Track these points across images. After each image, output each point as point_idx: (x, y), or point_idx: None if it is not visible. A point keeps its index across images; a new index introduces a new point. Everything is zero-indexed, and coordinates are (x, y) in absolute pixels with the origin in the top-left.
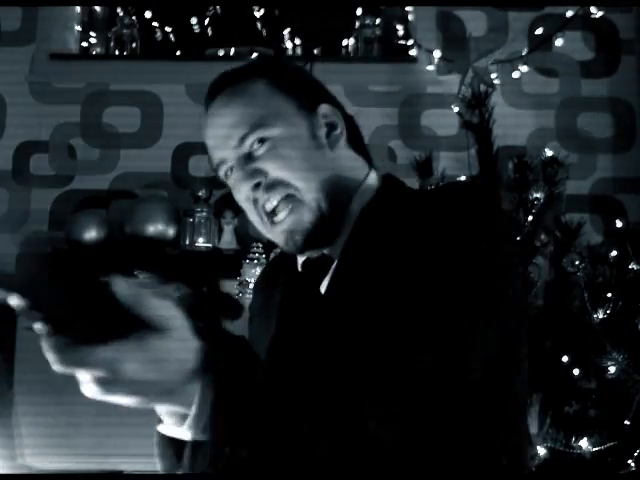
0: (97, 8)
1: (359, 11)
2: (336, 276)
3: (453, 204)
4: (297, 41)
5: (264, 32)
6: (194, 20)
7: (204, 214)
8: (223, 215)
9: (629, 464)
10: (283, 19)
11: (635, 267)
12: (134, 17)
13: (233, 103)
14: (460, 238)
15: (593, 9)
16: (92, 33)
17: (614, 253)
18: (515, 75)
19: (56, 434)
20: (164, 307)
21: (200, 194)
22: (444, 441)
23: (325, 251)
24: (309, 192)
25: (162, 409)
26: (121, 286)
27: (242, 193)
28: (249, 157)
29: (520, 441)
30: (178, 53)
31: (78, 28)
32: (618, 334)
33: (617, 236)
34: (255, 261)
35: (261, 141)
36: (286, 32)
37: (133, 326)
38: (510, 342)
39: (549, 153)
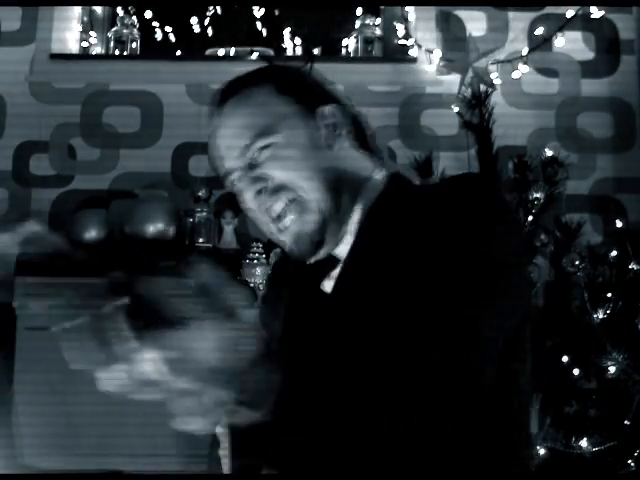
0: (97, 8)
1: (359, 11)
2: (343, 275)
3: (456, 200)
4: (297, 41)
5: (264, 32)
6: (194, 20)
7: (204, 214)
8: (223, 215)
9: (629, 464)
10: (283, 19)
11: (635, 267)
12: (134, 17)
13: (235, 114)
14: (465, 234)
15: (593, 9)
16: (92, 33)
17: (614, 253)
18: (515, 75)
19: (56, 434)
20: (238, 293)
21: (200, 194)
22: (450, 439)
23: (332, 252)
24: (312, 193)
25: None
26: (203, 270)
27: (248, 201)
28: (252, 165)
29: (523, 440)
30: (178, 53)
31: (78, 28)
32: (618, 334)
33: (617, 236)
34: (255, 261)
35: (263, 148)
36: (286, 32)
37: (208, 310)
38: (516, 338)
39: (549, 153)
